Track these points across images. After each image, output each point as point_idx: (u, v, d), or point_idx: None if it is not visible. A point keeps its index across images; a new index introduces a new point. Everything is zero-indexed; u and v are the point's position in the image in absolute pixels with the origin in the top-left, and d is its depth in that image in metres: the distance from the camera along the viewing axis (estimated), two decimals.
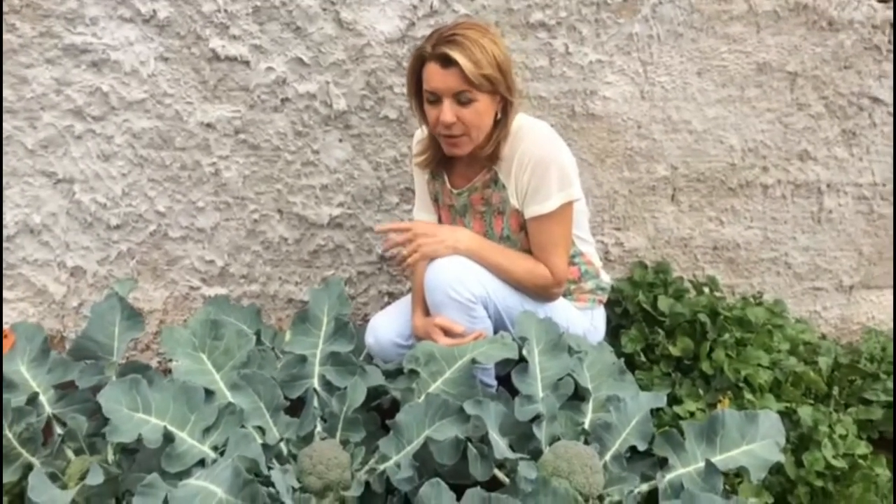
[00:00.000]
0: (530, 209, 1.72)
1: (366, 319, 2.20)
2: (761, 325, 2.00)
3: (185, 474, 1.30)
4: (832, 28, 2.01)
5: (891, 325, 2.31)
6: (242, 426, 1.42)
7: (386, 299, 2.28)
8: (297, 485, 1.39)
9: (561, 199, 1.69)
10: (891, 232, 2.25)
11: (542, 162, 1.69)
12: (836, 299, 2.33)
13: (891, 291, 2.34)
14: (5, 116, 1.99)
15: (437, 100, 1.64)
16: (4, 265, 2.15)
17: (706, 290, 2.14)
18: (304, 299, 2.26)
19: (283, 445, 1.49)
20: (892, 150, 2.16)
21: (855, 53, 2.04)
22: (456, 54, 1.56)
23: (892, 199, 2.22)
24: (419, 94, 1.69)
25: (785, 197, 2.20)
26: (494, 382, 1.83)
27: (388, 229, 1.73)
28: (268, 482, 1.31)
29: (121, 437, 1.30)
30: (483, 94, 1.62)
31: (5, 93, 1.97)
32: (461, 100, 1.61)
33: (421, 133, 1.85)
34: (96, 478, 1.29)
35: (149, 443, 1.30)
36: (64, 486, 1.39)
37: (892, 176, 2.19)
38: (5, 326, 2.13)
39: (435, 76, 1.61)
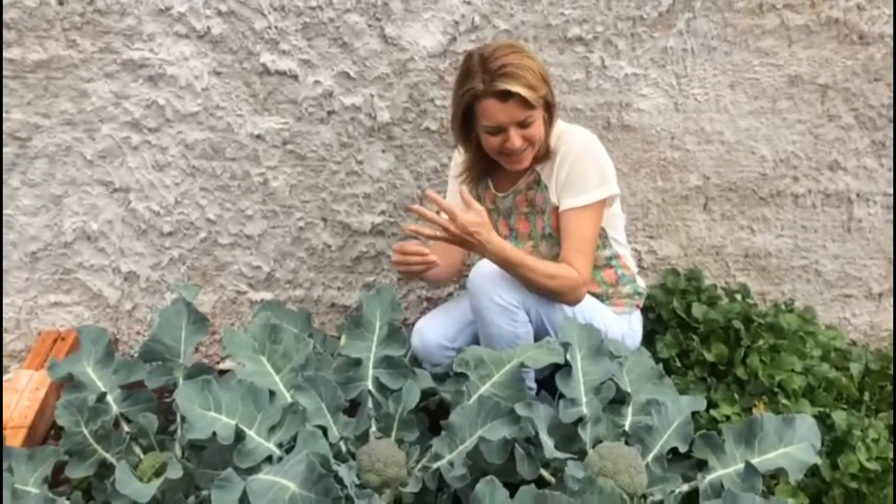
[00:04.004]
0: (566, 201, 1.77)
1: (405, 324, 2.27)
2: (793, 331, 2.05)
3: (254, 470, 1.38)
4: (863, 42, 2.06)
5: None
6: (305, 425, 1.49)
7: (425, 304, 2.35)
8: (357, 481, 1.46)
9: (598, 195, 1.76)
10: None
11: (582, 157, 1.76)
12: (866, 306, 2.37)
13: None
14: (66, 128, 2.08)
15: (500, 130, 1.70)
16: (62, 270, 2.24)
17: (738, 297, 2.19)
18: (346, 304, 2.34)
19: (342, 444, 1.56)
20: None
21: (885, 66, 2.08)
22: (514, 87, 1.63)
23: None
24: (465, 128, 1.76)
25: (815, 206, 2.25)
26: (535, 385, 1.90)
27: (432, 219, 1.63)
28: (335, 478, 1.37)
29: (196, 433, 1.38)
30: (539, 110, 1.71)
31: (66, 105, 2.05)
32: (524, 123, 1.69)
33: (459, 155, 1.91)
34: (175, 472, 1.37)
35: (222, 439, 1.38)
36: (139, 480, 1.46)
37: None
38: (67, 328, 2.24)
39: (497, 112, 1.67)
